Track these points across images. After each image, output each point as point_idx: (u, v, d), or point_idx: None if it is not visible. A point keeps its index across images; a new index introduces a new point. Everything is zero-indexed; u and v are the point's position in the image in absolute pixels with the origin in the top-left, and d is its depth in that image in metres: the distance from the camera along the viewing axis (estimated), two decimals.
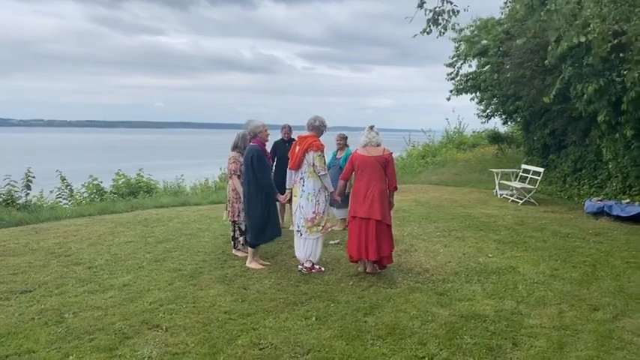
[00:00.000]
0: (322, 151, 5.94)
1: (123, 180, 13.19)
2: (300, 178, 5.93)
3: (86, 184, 12.56)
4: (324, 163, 5.97)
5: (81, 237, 7.66)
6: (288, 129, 8.25)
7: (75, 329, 4.29)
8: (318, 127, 6.07)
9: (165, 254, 6.68)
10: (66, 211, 10.02)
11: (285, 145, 7.91)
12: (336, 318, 4.60)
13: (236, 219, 6.59)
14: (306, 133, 6.08)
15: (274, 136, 7.58)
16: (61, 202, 11.75)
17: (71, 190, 12.22)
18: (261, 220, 6.04)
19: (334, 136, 8.28)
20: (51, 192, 11.84)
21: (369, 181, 5.77)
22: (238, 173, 6.46)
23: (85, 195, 12.40)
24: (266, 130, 6.22)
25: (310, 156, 5.83)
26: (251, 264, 6.11)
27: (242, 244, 6.65)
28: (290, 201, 6.51)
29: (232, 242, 6.77)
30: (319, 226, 5.94)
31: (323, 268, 6.03)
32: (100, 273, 5.86)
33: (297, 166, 5.93)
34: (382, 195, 5.75)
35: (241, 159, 6.42)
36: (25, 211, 9.49)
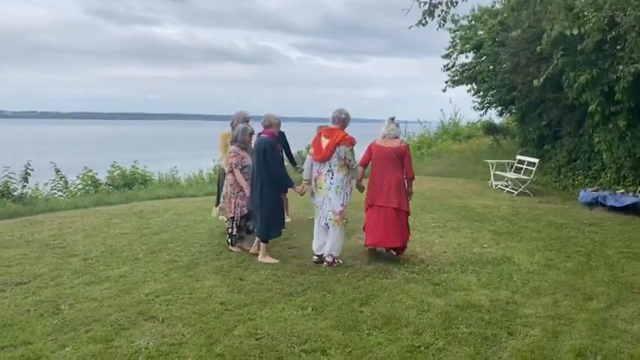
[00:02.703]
0: (353, 146, 5.96)
1: (118, 172, 13.14)
2: (329, 171, 5.90)
3: (81, 176, 12.50)
4: (354, 156, 6.04)
5: (76, 229, 7.64)
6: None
7: (71, 320, 4.29)
8: (343, 120, 6.01)
9: (160, 246, 6.68)
10: (61, 203, 9.99)
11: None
12: (332, 308, 4.62)
13: (234, 215, 6.38)
14: (330, 125, 6.04)
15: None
16: (55, 194, 11.69)
17: (66, 182, 12.15)
18: (276, 213, 6.05)
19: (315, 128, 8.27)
20: (46, 184, 11.78)
21: (385, 172, 6.02)
22: (240, 167, 6.27)
23: (80, 187, 12.34)
24: (280, 124, 6.35)
25: (342, 150, 5.83)
26: (264, 258, 6.01)
27: (237, 240, 6.47)
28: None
29: (229, 239, 6.46)
30: (345, 219, 5.99)
31: (341, 261, 6.01)
32: (96, 264, 5.85)
33: (327, 159, 5.88)
34: (398, 184, 6.01)
35: (242, 153, 6.29)
36: (20, 203, 9.45)
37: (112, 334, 4.06)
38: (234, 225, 6.42)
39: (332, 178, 5.89)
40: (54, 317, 4.36)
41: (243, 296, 4.90)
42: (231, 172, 6.32)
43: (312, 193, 6.12)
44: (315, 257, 6.01)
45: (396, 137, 6.13)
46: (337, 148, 5.83)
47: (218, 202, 7.09)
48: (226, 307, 4.62)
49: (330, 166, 5.89)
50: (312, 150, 6.13)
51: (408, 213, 6.17)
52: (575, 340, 4.05)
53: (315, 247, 6.06)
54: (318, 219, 6.04)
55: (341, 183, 5.90)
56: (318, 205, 6.04)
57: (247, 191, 6.23)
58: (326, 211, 5.94)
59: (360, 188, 6.31)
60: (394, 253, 6.25)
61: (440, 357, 3.77)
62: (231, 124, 7.08)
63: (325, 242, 5.97)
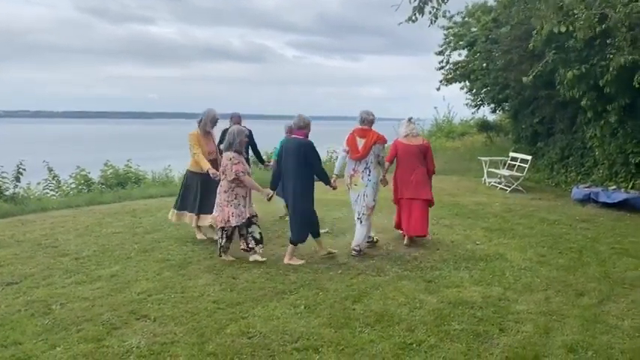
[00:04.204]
0: (385, 143, 6.46)
1: (111, 171, 13.07)
2: (365, 168, 6.28)
3: (74, 175, 12.43)
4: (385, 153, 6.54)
5: (68, 228, 7.60)
6: (238, 118, 7.82)
7: (62, 320, 4.27)
8: (372, 121, 6.44)
9: (153, 244, 6.66)
10: (53, 203, 9.94)
11: None
12: (324, 306, 4.61)
13: (225, 225, 5.94)
14: (359, 126, 6.38)
15: (223, 125, 7.33)
16: (48, 193, 11.62)
17: (58, 182, 12.07)
18: (314, 214, 6.04)
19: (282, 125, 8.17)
20: (38, 184, 11.70)
21: (412, 167, 6.63)
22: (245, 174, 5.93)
23: (73, 186, 12.27)
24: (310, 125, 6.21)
25: (377, 148, 6.28)
26: (291, 260, 5.93)
27: (224, 250, 6.07)
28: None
29: (221, 248, 6.06)
30: (372, 212, 6.45)
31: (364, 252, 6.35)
32: (88, 264, 5.83)
33: (365, 157, 6.25)
34: (424, 178, 6.70)
35: (242, 158, 5.98)
36: (12, 203, 9.39)
37: (104, 333, 4.04)
38: (224, 235, 6.03)
39: (369, 175, 6.28)
40: (45, 317, 4.34)
41: (235, 295, 4.89)
42: (240, 179, 5.88)
43: (348, 189, 6.46)
44: (353, 252, 6.23)
45: (418, 135, 6.86)
46: (373, 147, 6.23)
47: (184, 207, 6.81)
48: (218, 305, 4.61)
49: (367, 164, 6.27)
50: (346, 148, 6.37)
51: (433, 202, 6.85)
52: (567, 336, 4.07)
53: (353, 243, 6.30)
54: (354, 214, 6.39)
55: (376, 179, 6.34)
56: (352, 200, 6.39)
57: (264, 195, 6.05)
58: (360, 206, 6.30)
59: (384, 182, 6.56)
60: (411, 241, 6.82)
61: (432, 354, 3.77)
62: (199, 122, 6.75)
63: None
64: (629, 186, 9.81)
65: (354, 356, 3.74)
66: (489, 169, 12.77)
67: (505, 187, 11.72)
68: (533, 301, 4.79)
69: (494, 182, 12.33)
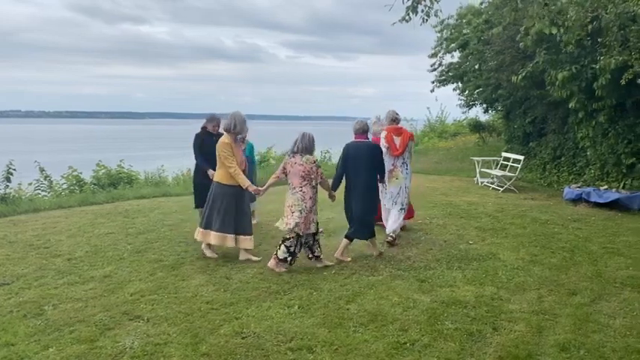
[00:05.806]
0: None
1: (103, 171, 13.01)
2: (403, 163, 6.95)
3: (65, 176, 12.35)
4: None
5: (60, 229, 7.56)
6: (217, 120, 7.32)
7: (55, 321, 4.25)
8: (400, 120, 7.14)
9: (146, 245, 6.64)
10: (45, 203, 9.88)
11: (212, 139, 6.71)
12: (318, 306, 4.62)
13: (304, 232, 5.66)
14: (389, 125, 6.98)
15: (195, 129, 7.25)
16: (39, 193, 11.54)
17: (50, 182, 12.00)
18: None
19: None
20: (30, 184, 11.62)
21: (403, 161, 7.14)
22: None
23: (65, 186, 12.19)
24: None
25: (411, 144, 7.02)
26: (343, 256, 6.01)
27: (316, 256, 5.81)
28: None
29: (290, 259, 5.66)
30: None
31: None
32: (80, 265, 5.80)
33: (403, 153, 6.89)
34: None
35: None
36: (3, 203, 9.32)
37: (97, 334, 4.03)
38: (299, 243, 5.71)
39: (407, 169, 6.97)
40: (37, 318, 4.32)
41: (229, 295, 4.88)
42: (321, 183, 5.76)
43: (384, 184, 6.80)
44: (390, 238, 6.71)
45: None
46: (409, 143, 6.86)
47: (208, 225, 6.02)
48: (212, 306, 4.61)
49: (404, 159, 6.94)
50: (386, 145, 6.85)
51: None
52: (559, 335, 4.09)
53: (389, 229, 6.81)
54: (393, 205, 6.88)
55: (411, 172, 7.04)
56: (392, 193, 6.89)
57: (331, 197, 6.03)
58: (403, 197, 6.93)
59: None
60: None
61: (425, 353, 3.78)
62: (233, 129, 5.95)
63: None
64: (621, 186, 9.89)
65: (348, 356, 3.74)
66: (482, 169, 12.82)
67: (497, 187, 11.77)
68: (525, 301, 4.82)
69: (487, 182, 12.38)
